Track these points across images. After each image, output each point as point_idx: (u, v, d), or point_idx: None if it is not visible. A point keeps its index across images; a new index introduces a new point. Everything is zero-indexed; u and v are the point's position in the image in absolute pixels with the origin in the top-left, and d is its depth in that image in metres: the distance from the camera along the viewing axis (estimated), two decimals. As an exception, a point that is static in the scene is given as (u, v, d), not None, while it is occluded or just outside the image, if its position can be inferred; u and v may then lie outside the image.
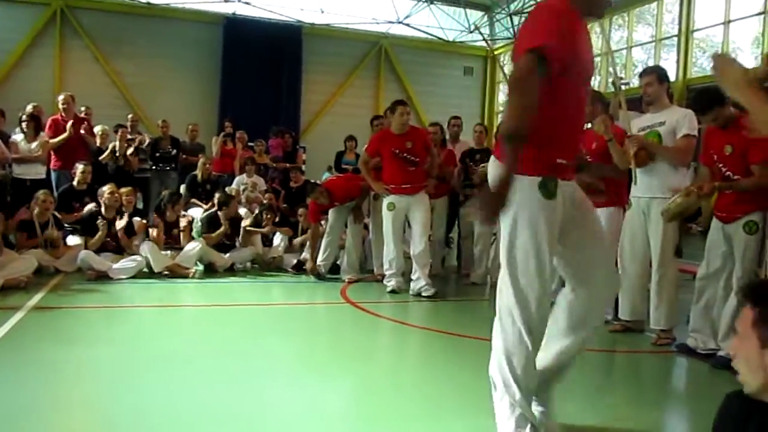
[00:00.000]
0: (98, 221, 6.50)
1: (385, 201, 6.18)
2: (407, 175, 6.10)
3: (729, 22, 12.70)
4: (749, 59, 12.82)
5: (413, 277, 6.11)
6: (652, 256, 4.53)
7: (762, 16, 12.18)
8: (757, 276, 3.85)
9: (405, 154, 6.07)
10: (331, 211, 6.86)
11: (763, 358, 1.39)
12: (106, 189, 6.73)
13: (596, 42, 17.02)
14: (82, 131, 7.95)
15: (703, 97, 4.14)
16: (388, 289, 6.19)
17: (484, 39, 18.42)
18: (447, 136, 7.64)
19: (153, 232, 6.84)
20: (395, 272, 6.21)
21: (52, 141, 7.72)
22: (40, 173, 7.61)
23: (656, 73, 4.55)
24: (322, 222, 7.04)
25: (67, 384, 3.34)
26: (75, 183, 7.26)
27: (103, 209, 6.66)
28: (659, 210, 4.33)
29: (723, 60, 2.01)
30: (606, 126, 4.68)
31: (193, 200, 8.28)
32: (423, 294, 5.97)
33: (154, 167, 9.07)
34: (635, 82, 13.26)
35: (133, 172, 8.53)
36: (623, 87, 7.87)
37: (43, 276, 6.12)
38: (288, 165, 10.07)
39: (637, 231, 4.60)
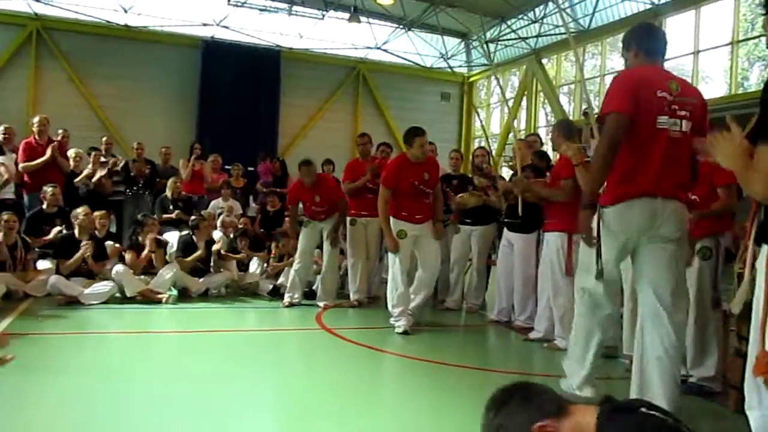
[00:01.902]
0: (82, 243, 6.39)
1: (395, 227, 5.68)
2: (421, 207, 5.78)
3: (698, 52, 13.04)
4: (720, 88, 13.15)
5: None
6: (623, 284, 4.55)
7: (730, 47, 12.53)
8: (718, 302, 3.89)
9: (421, 186, 5.74)
10: (301, 235, 6.80)
11: None
12: (80, 211, 6.64)
13: (570, 70, 17.35)
14: (48, 152, 7.82)
15: None
16: (399, 330, 5.56)
17: (450, 69, 18.64)
18: None
19: (127, 256, 6.73)
20: (404, 310, 5.65)
21: (28, 164, 7.66)
22: (5, 194, 7.52)
23: None
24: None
25: (32, 415, 3.25)
26: (44, 206, 7.16)
27: (76, 232, 6.56)
28: None
29: (718, 138, 2.11)
30: (575, 152, 4.78)
31: (165, 215, 8.17)
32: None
33: (128, 190, 8.98)
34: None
35: (108, 195, 8.44)
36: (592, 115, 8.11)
37: (12, 301, 5.99)
38: (277, 189, 9.92)
39: None
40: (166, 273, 6.68)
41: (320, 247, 7.01)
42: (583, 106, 10.46)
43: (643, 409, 1.54)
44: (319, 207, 6.72)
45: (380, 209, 5.74)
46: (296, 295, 6.74)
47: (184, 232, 7.46)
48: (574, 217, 5.08)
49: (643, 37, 3.42)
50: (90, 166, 8.34)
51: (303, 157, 7.02)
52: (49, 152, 7.72)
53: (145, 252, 6.76)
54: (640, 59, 3.33)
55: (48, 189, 7.18)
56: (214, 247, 7.21)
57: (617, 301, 4.47)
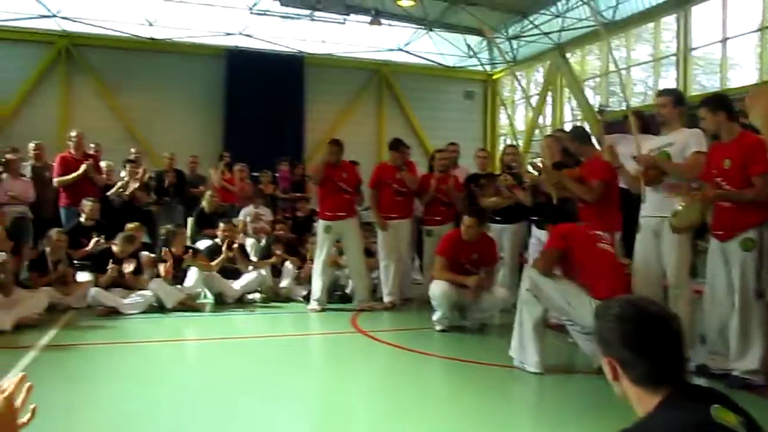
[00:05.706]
0: (109, 265, 6.49)
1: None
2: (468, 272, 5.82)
3: (726, 39, 12.81)
4: (750, 75, 12.88)
5: None
6: (668, 277, 4.46)
7: (759, 33, 12.27)
8: (762, 294, 3.82)
9: (468, 266, 5.75)
10: (319, 234, 6.83)
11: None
12: (123, 234, 6.80)
13: (594, 63, 17.16)
14: (82, 168, 7.95)
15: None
16: (438, 327, 5.71)
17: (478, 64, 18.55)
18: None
19: (161, 267, 6.81)
20: (446, 309, 5.68)
21: (63, 178, 7.84)
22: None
23: (673, 96, 4.55)
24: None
25: (83, 424, 3.33)
26: (83, 219, 7.32)
27: (115, 248, 6.66)
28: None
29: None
30: (614, 155, 4.87)
31: (205, 231, 8.27)
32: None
33: (159, 201, 9.11)
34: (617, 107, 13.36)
35: (143, 206, 8.60)
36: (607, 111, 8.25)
37: (55, 313, 6.13)
38: (298, 195, 10.13)
39: (649, 252, 4.51)
40: (192, 275, 6.82)
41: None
42: (599, 105, 10.37)
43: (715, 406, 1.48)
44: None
45: (438, 275, 5.68)
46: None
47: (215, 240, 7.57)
48: (606, 218, 5.03)
49: None
50: (125, 178, 8.52)
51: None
52: (82, 169, 7.87)
53: (168, 264, 6.81)
54: None
55: (87, 203, 7.36)
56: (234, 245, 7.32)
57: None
